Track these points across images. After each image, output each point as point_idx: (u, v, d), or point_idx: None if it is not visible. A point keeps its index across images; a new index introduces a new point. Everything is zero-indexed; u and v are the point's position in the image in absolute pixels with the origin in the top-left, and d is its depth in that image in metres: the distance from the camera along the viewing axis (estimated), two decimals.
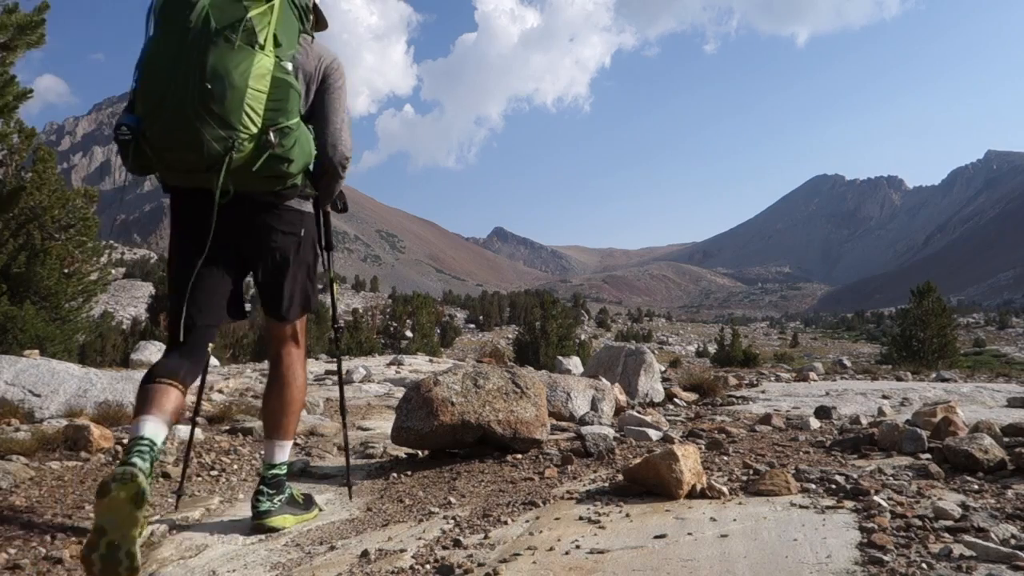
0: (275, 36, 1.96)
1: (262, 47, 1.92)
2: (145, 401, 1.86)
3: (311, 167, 2.12)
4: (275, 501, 2.24)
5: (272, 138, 1.94)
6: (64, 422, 3.57)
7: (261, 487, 2.23)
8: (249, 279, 2.24)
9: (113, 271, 11.07)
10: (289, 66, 2.00)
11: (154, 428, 1.81)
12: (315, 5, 2.26)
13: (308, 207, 2.24)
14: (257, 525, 2.20)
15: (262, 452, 2.31)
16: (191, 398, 2.72)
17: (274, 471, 2.25)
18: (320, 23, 2.33)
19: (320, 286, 2.42)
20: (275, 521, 2.20)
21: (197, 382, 2.28)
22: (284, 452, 2.27)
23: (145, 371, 1.96)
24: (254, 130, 1.91)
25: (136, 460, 1.69)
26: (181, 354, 1.99)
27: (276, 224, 2.12)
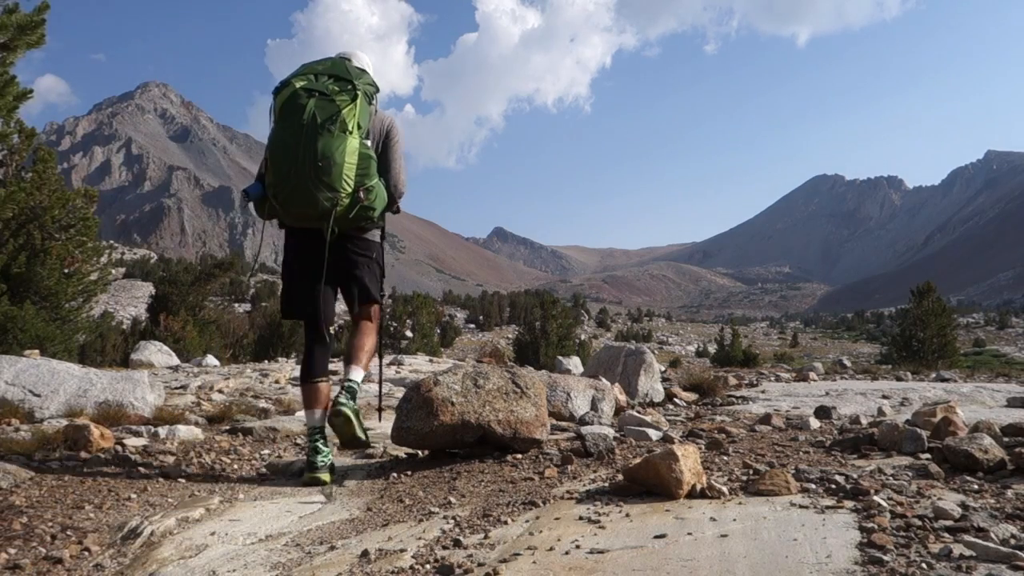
0: (358, 123, 2.80)
1: (351, 132, 2.76)
2: (312, 398, 2.95)
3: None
4: (350, 401, 2.95)
5: (361, 195, 2.83)
6: (64, 422, 3.57)
7: (341, 392, 2.95)
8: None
9: (113, 271, 11.07)
10: (369, 143, 2.89)
11: (322, 417, 2.91)
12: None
13: (377, 237, 3.16)
14: (336, 411, 2.87)
15: (345, 372, 3.07)
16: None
17: (350, 383, 2.98)
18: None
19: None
20: (346, 408, 2.88)
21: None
22: (358, 373, 3.05)
23: (301, 371, 2.99)
24: (350, 190, 2.79)
25: (320, 445, 2.91)
26: (320, 353, 3.04)
27: (359, 249, 3.04)
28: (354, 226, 2.95)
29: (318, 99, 2.75)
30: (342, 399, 2.90)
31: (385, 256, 3.25)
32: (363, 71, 3.01)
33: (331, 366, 4.39)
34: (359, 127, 2.81)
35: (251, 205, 2.88)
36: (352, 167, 2.77)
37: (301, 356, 3.34)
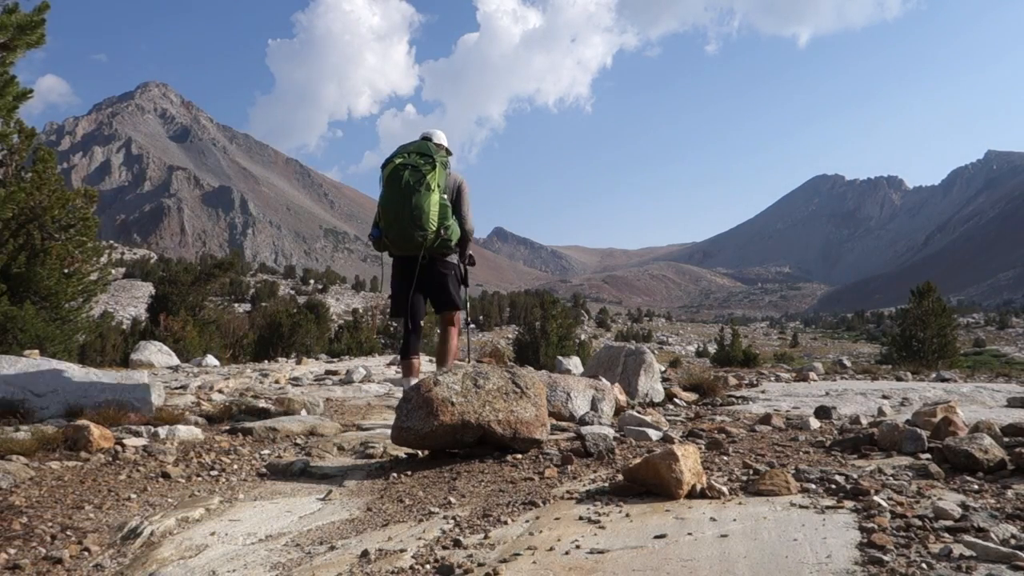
0: (438, 183, 3.99)
1: (433, 190, 3.96)
2: (409, 369, 4.14)
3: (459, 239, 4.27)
4: None
5: (443, 232, 4.04)
6: (64, 422, 3.57)
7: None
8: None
9: (113, 271, 11.07)
10: (446, 196, 4.10)
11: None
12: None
13: (455, 259, 4.35)
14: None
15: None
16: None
17: None
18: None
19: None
20: None
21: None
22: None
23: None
24: (434, 228, 3.98)
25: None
26: (414, 338, 4.26)
27: (443, 269, 4.25)
28: (438, 252, 4.18)
29: (411, 170, 3.98)
30: None
31: (467, 274, 4.55)
32: (440, 145, 4.35)
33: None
34: (439, 186, 4.02)
35: (371, 243, 4.27)
36: (435, 214, 3.99)
37: (400, 340, 4.83)
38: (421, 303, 4.31)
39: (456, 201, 4.25)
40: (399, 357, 4.38)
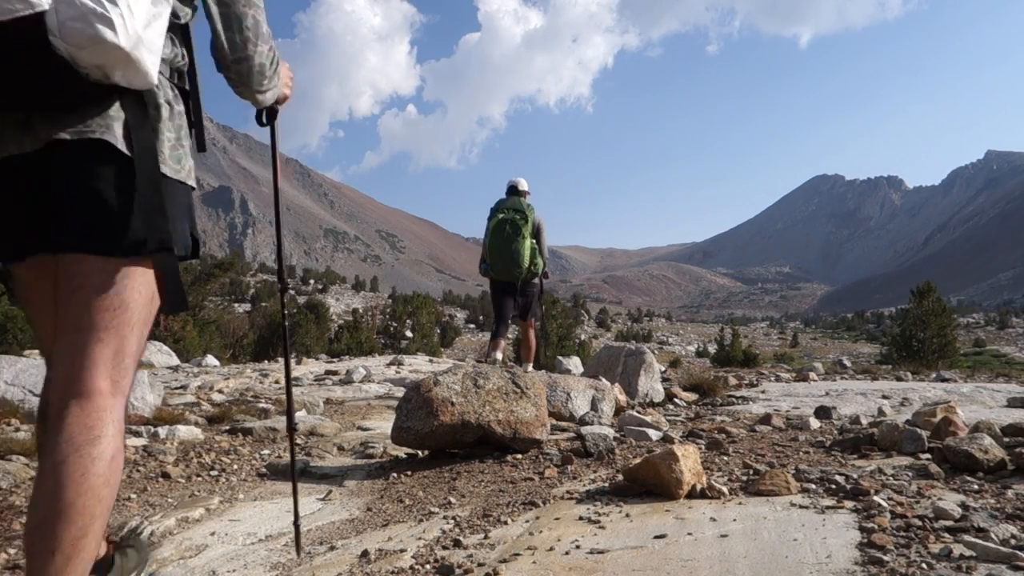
0: (528, 232, 5.74)
1: (526, 237, 5.73)
2: (496, 347, 5.89)
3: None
4: None
5: (532, 268, 5.83)
6: None
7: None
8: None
9: None
10: (534, 241, 5.84)
11: (502, 360, 5.78)
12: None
13: (537, 281, 6.09)
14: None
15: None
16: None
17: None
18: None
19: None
20: None
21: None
22: (528, 367, 5.97)
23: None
24: (526, 265, 5.74)
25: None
26: (503, 329, 6.05)
27: (530, 290, 6.01)
28: (526, 279, 5.94)
29: (510, 224, 5.76)
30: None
31: (542, 289, 6.32)
32: (525, 192, 6.05)
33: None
34: (529, 234, 5.78)
35: (480, 272, 6.09)
36: (527, 255, 5.78)
37: (491, 329, 6.31)
38: (511, 311, 6.06)
39: (537, 237, 5.92)
40: (490, 338, 6.15)
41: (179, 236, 1.30)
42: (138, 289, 1.27)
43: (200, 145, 1.42)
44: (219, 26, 1.36)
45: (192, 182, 1.37)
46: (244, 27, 1.38)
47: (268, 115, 1.73)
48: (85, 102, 1.19)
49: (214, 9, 1.35)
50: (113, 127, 1.21)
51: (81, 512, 1.15)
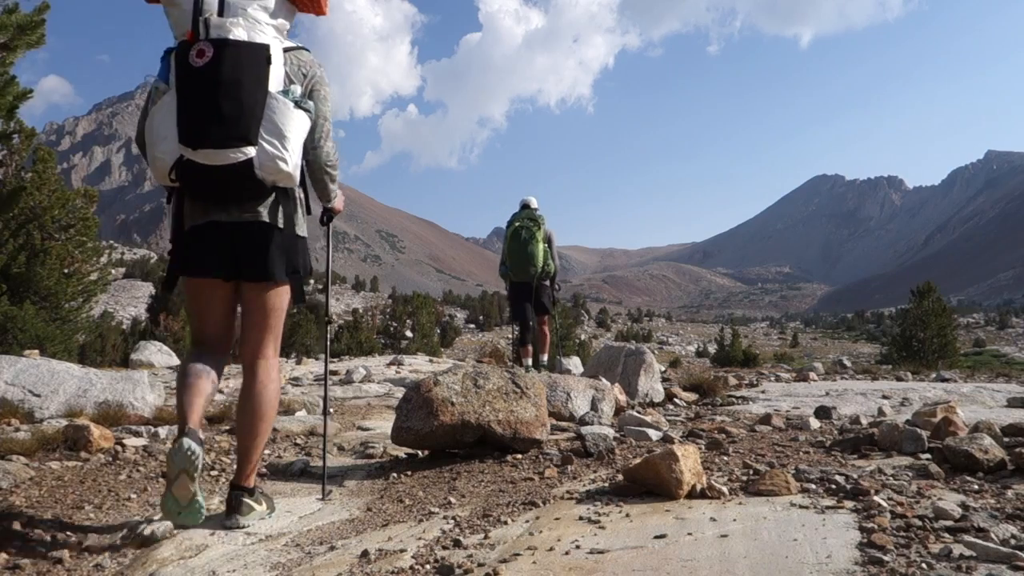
0: (541, 238, 6.87)
1: (539, 241, 6.84)
2: (525, 353, 7.02)
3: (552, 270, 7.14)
4: (533, 369, 6.71)
5: (546, 268, 6.94)
6: (64, 422, 3.57)
7: (534, 364, 7.02)
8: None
9: (113, 271, 11.07)
10: (545, 245, 6.93)
11: (530, 363, 6.91)
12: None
13: (549, 283, 7.15)
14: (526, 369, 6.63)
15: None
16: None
17: (540, 362, 7.09)
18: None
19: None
20: (532, 371, 6.38)
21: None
22: (543, 358, 7.19)
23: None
24: (540, 266, 6.86)
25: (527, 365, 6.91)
26: (526, 331, 7.03)
27: (543, 290, 7.08)
28: (540, 280, 6.95)
29: (526, 230, 6.81)
30: (531, 369, 6.65)
31: (554, 292, 7.25)
32: (536, 209, 7.06)
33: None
34: (542, 239, 6.82)
35: (501, 275, 7.14)
36: (540, 259, 6.80)
37: (516, 331, 7.37)
38: (531, 311, 6.97)
39: (548, 245, 6.96)
40: (518, 346, 7.17)
41: (303, 265, 2.33)
42: (283, 298, 2.32)
43: (307, 210, 2.40)
44: (311, 131, 2.28)
45: (306, 234, 2.37)
46: (322, 133, 2.34)
47: (327, 216, 2.67)
48: (260, 197, 2.19)
49: (315, 122, 2.29)
50: (272, 210, 2.22)
51: (266, 415, 2.27)
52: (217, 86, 2.03)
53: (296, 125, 2.13)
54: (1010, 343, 57.53)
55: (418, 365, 9.38)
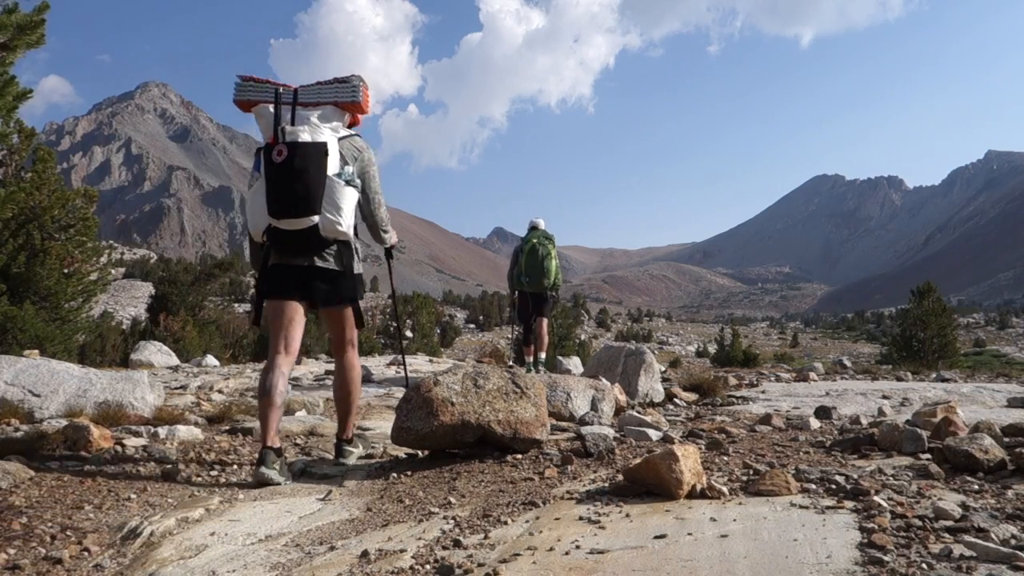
0: (555, 254, 7.82)
1: (553, 258, 7.76)
2: (529, 352, 7.89)
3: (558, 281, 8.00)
4: (533, 368, 7.70)
5: (557, 281, 7.84)
6: (64, 422, 3.56)
7: (534, 363, 7.88)
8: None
9: (113, 271, 11.06)
10: (557, 262, 7.87)
11: (534, 361, 7.83)
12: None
13: (555, 293, 8.05)
14: (527, 368, 7.45)
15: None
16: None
17: (539, 360, 7.84)
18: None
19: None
20: (532, 370, 7.57)
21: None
22: (542, 355, 7.90)
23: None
24: (553, 279, 7.76)
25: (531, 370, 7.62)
26: (531, 336, 7.81)
27: (551, 300, 7.99)
28: (551, 291, 7.75)
29: (542, 247, 7.62)
30: (532, 367, 7.52)
31: (555, 299, 8.08)
32: (544, 229, 7.94)
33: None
34: (556, 255, 7.68)
35: (511, 285, 8.01)
36: (555, 271, 7.67)
37: (520, 332, 8.24)
38: (531, 313, 7.80)
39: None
40: (522, 345, 8.08)
41: (360, 294, 3.19)
42: (349, 314, 3.19)
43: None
44: (368, 202, 3.21)
45: (362, 271, 3.23)
46: (375, 203, 3.23)
47: (387, 254, 3.63)
48: (324, 247, 3.02)
49: (369, 195, 3.19)
50: (337, 258, 3.07)
51: (354, 390, 3.28)
52: (291, 175, 2.88)
53: (348, 199, 2.97)
54: (1010, 343, 57.52)
55: (418, 365, 9.38)
